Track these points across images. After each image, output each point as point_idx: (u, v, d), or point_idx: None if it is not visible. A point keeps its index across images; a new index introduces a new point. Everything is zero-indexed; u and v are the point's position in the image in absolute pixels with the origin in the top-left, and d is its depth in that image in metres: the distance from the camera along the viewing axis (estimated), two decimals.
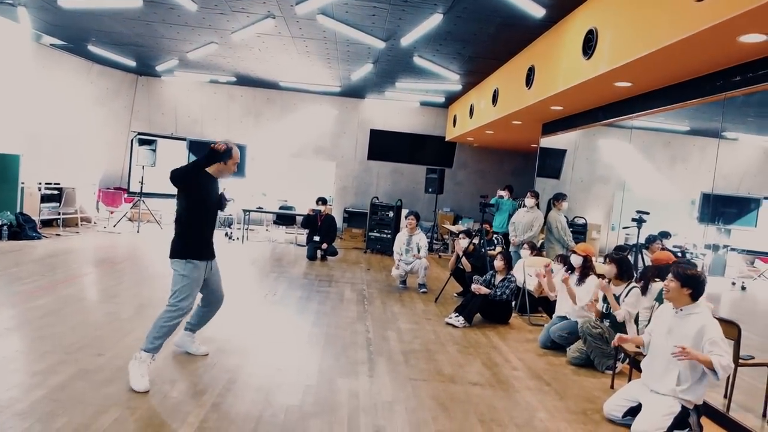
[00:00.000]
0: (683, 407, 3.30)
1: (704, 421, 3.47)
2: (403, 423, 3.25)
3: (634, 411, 3.49)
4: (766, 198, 5.67)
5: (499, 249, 8.03)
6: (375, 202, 11.05)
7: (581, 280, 5.15)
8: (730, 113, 4.40)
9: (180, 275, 3.56)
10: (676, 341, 3.30)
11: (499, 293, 5.89)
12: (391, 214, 10.83)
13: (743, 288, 5.92)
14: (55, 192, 9.97)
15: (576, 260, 5.21)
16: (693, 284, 3.35)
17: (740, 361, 3.64)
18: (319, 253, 9.25)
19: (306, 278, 7.52)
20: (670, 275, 3.43)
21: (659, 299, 4.37)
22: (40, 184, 9.48)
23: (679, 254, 5.76)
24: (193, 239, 3.63)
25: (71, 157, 10.78)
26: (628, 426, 3.41)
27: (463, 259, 6.84)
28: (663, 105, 5.28)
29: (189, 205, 3.63)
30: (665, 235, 6.01)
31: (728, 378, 3.74)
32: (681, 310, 3.39)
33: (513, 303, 6.12)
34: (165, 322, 3.49)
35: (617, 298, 4.59)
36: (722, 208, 5.37)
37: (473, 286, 5.92)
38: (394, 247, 7.61)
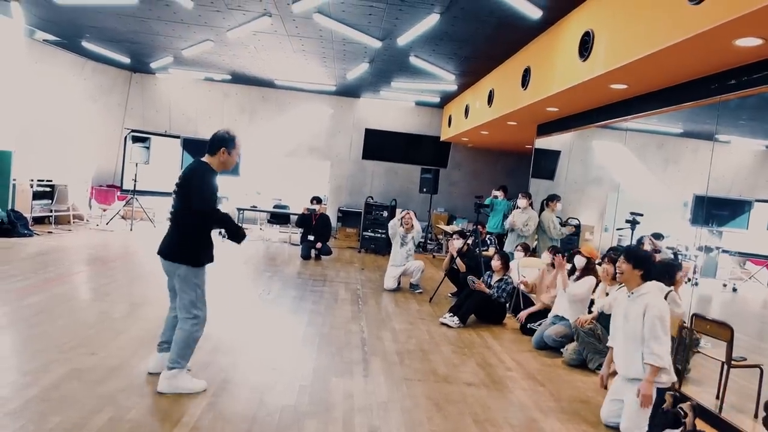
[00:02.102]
0: (658, 389, 3.34)
1: (696, 421, 3.49)
2: (398, 423, 3.25)
3: None
4: (757, 200, 5.72)
5: (492, 250, 8.05)
6: (369, 202, 11.05)
7: (579, 277, 5.18)
8: (724, 116, 4.43)
9: (194, 283, 3.33)
10: (632, 324, 3.41)
11: (496, 294, 5.91)
12: (385, 213, 10.82)
13: (734, 290, 5.97)
14: (48, 189, 9.89)
15: (580, 261, 5.24)
16: (645, 265, 3.45)
17: (732, 362, 3.68)
18: (313, 252, 9.23)
19: (300, 277, 7.50)
20: (621, 257, 3.52)
21: None
22: (32, 180, 9.40)
23: (671, 255, 5.81)
24: (206, 244, 3.39)
25: (64, 154, 10.68)
26: None
27: (458, 260, 6.86)
28: (658, 107, 5.31)
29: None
30: (658, 236, 6.06)
31: (720, 379, 3.78)
32: (633, 293, 3.48)
33: (507, 304, 6.15)
34: (192, 335, 3.35)
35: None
36: (714, 210, 5.41)
37: (472, 280, 5.92)
38: (389, 228, 7.65)
